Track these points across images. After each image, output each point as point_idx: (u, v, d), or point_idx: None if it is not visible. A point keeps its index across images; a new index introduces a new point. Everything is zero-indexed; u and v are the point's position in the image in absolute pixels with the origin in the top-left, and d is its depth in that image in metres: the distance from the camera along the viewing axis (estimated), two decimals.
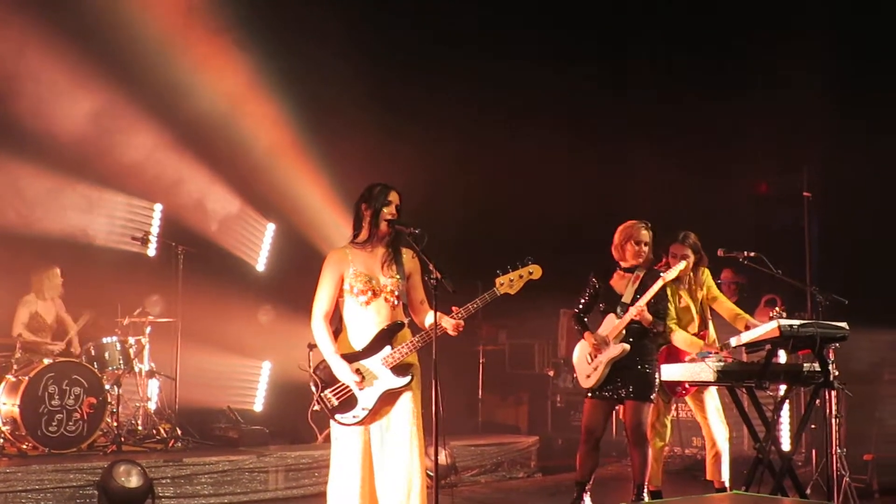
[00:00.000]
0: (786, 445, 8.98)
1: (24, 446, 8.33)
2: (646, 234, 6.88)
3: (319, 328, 5.32)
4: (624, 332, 6.77)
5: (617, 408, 7.11)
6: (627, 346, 6.72)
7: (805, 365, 6.62)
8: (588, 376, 6.88)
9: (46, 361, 8.55)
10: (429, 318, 5.37)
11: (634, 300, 6.77)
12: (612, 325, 6.82)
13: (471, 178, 11.46)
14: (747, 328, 6.83)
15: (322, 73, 10.85)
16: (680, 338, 6.99)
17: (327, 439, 5.37)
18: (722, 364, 6.31)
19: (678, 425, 9.54)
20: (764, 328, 6.38)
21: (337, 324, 5.43)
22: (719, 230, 8.15)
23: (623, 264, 6.96)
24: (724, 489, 7.07)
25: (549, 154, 11.66)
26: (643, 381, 6.76)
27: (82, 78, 9.91)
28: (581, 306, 7.08)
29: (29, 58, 9.70)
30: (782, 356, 7.50)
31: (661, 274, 6.78)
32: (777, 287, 9.60)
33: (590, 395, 6.90)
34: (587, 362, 6.91)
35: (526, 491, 9.01)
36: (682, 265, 6.82)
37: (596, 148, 11.97)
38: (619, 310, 6.80)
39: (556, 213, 11.79)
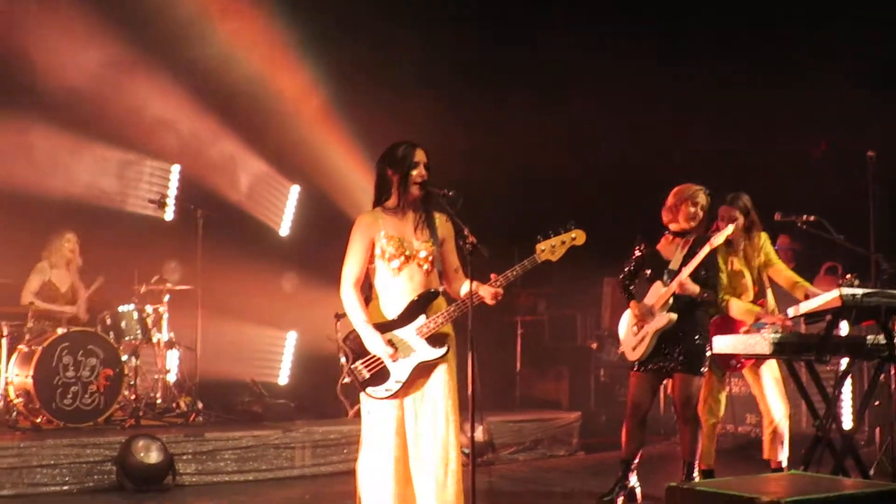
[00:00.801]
0: (847, 423, 8.94)
1: (39, 420, 8.45)
2: (703, 198, 6.88)
3: (349, 296, 5.31)
4: (671, 301, 6.75)
5: (665, 382, 7.11)
6: (674, 316, 6.71)
7: (868, 337, 6.55)
8: (634, 348, 6.89)
9: (60, 331, 8.64)
10: (464, 288, 5.37)
11: (683, 267, 6.75)
12: (658, 293, 6.81)
13: (509, 140, 11.42)
14: (807, 297, 6.76)
15: (352, 32, 10.84)
16: (736, 307, 6.95)
17: (358, 414, 5.39)
18: (779, 336, 6.26)
19: (731, 401, 9.46)
20: (825, 297, 6.31)
21: (367, 292, 5.43)
22: (775, 193, 8.09)
23: (673, 227, 6.95)
24: (780, 469, 7.05)
25: (593, 113, 11.58)
26: (693, 353, 6.75)
27: (100, 35, 9.96)
28: (627, 273, 7.08)
29: (48, 13, 9.74)
30: (844, 327, 7.43)
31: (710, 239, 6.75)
32: (838, 254, 9.51)
33: (636, 367, 6.92)
34: (633, 333, 6.91)
35: (567, 470, 9.04)
36: (728, 229, 6.77)
37: (641, 104, 11.88)
38: (665, 277, 6.78)
39: (600, 175, 11.74)
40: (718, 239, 6.71)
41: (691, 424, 6.78)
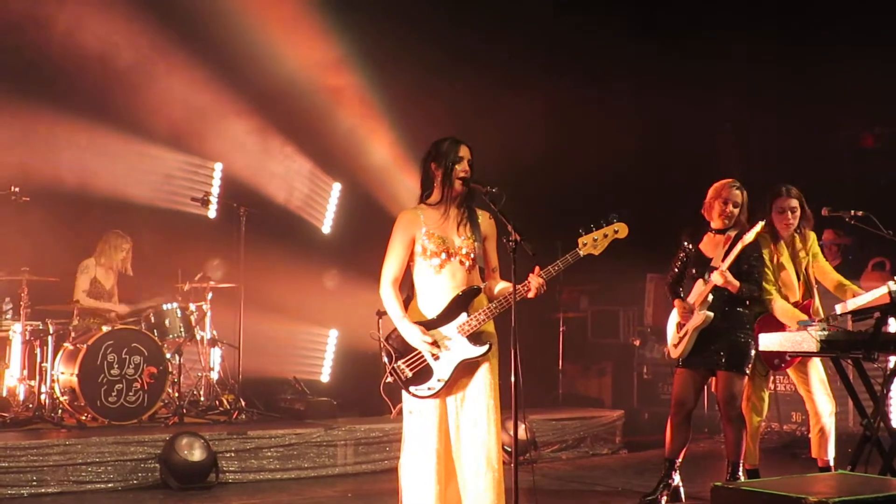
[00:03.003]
0: None
1: (84, 417, 8.53)
2: (736, 194, 6.76)
3: (388, 294, 5.30)
4: (710, 298, 6.67)
5: (710, 380, 7.05)
6: (710, 314, 6.64)
7: None
8: (675, 346, 6.86)
9: (105, 329, 8.71)
10: (498, 288, 5.36)
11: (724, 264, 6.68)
12: (699, 291, 6.76)
13: (550, 132, 11.35)
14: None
15: (395, 27, 10.81)
16: (780, 308, 6.84)
17: (401, 413, 5.37)
18: (826, 333, 6.17)
19: (776, 399, 9.40)
20: (873, 294, 6.22)
21: (408, 290, 5.41)
22: (820, 187, 7.98)
23: (713, 225, 6.88)
24: (828, 468, 6.96)
25: (637, 105, 11.51)
26: (736, 351, 6.67)
27: (146, 33, 10.03)
28: (673, 276, 7.05)
29: (95, 9, 9.82)
30: (893, 325, 7.32)
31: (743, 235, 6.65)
32: (886, 249, 9.40)
33: (679, 364, 6.87)
34: (676, 331, 6.88)
35: (610, 468, 8.97)
36: (758, 226, 6.64)
37: (685, 98, 11.79)
38: (706, 275, 6.72)
39: (643, 167, 11.65)
40: (749, 236, 6.61)
41: (735, 423, 6.72)
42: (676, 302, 6.89)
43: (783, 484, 5.15)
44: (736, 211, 6.77)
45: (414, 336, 5.19)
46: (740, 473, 6.75)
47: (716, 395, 6.95)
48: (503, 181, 5.23)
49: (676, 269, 7.03)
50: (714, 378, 6.86)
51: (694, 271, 6.88)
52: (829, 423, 7.02)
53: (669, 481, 6.88)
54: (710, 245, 6.87)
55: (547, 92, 11.39)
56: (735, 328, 6.71)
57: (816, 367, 7.07)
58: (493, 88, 11.05)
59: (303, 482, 8.08)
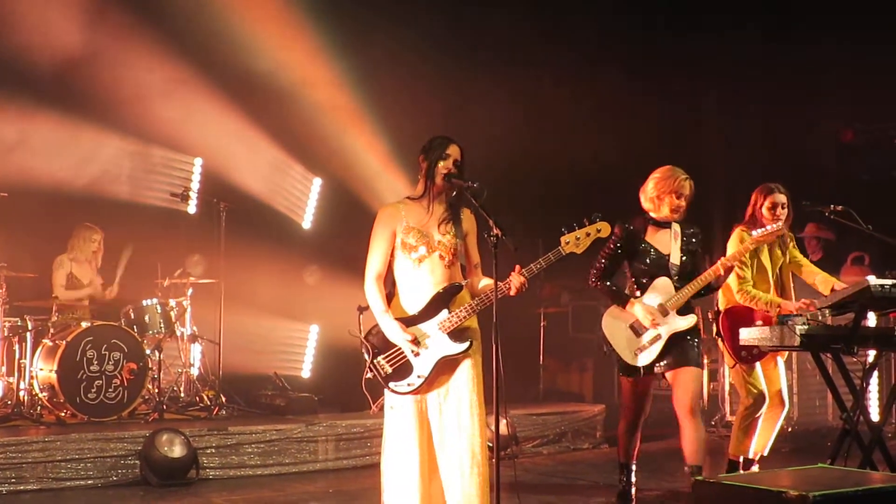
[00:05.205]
0: (875, 415, 8.86)
1: (63, 414, 8.49)
2: (686, 186, 6.42)
3: (371, 289, 5.32)
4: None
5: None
6: (694, 318, 6.34)
7: None
8: (637, 353, 6.36)
9: (84, 325, 8.69)
10: (480, 284, 5.37)
11: (682, 259, 6.41)
12: (665, 290, 6.37)
13: (532, 130, 11.37)
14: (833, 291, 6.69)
15: (376, 20, 10.78)
16: (764, 300, 6.80)
17: (381, 409, 5.38)
18: (807, 327, 6.18)
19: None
20: (852, 288, 6.25)
21: (390, 287, 5.42)
22: (802, 181, 8.01)
23: (655, 216, 6.50)
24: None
25: (616, 102, 11.51)
26: (699, 349, 6.46)
27: (124, 29, 9.97)
28: (602, 270, 6.48)
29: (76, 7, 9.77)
30: (872, 319, 7.35)
31: (764, 230, 6.54)
32: (866, 243, 9.44)
33: (641, 373, 6.40)
34: (635, 335, 6.36)
35: (591, 463, 8.99)
36: (778, 227, 6.62)
37: (665, 93, 11.80)
38: (673, 272, 6.39)
39: (625, 165, 11.64)
40: (770, 237, 6.61)
41: (697, 419, 6.37)
42: (639, 304, 6.34)
43: (764, 478, 5.17)
44: (685, 204, 6.45)
45: (394, 332, 5.20)
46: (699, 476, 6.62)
47: (676, 395, 6.43)
48: (486, 178, 5.23)
49: (605, 266, 6.47)
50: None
51: (644, 266, 6.44)
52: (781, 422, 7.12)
53: (631, 488, 6.73)
54: (658, 238, 6.48)
55: (530, 89, 11.39)
56: (696, 328, 6.44)
57: (781, 368, 7.11)
58: (477, 84, 11.03)
59: (284, 478, 8.06)
